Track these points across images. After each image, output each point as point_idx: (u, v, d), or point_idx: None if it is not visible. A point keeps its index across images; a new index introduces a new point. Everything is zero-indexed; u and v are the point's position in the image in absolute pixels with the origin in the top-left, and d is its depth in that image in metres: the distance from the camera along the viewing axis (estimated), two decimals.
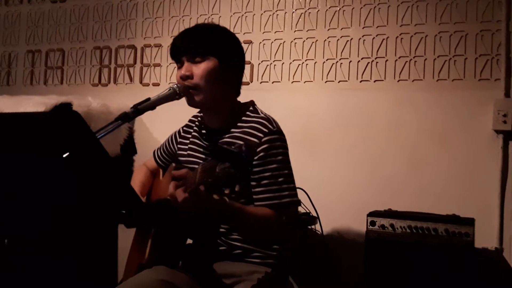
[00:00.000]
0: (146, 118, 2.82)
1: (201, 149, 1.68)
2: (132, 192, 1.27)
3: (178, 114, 2.71)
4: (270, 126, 1.56)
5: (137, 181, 1.88)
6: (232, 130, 1.60)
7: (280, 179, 1.53)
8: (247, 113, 1.63)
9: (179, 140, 1.81)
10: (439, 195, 2.30)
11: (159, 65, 2.95)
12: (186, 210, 1.28)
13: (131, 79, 3.03)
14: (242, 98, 1.70)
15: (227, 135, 1.61)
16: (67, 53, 3.22)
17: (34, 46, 3.32)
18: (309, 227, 2.40)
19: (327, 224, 2.39)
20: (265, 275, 1.55)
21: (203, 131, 1.69)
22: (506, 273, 2.21)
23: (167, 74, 2.91)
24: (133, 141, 2.76)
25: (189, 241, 1.60)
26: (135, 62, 3.02)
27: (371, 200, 2.33)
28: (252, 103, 1.69)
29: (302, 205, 2.36)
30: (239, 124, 1.61)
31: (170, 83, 2.83)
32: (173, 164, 1.65)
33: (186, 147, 1.74)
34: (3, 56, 3.39)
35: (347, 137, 2.50)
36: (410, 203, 2.27)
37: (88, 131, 1.13)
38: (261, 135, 1.54)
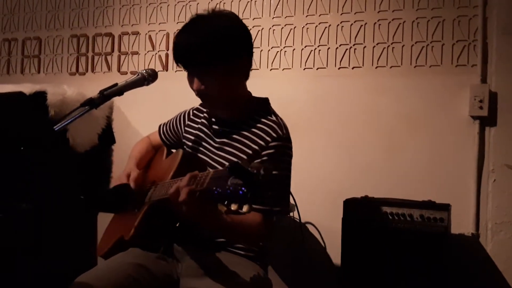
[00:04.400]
0: (124, 107, 2.84)
1: (208, 138, 1.66)
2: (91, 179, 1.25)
3: (157, 103, 2.72)
4: (279, 132, 1.55)
5: (136, 150, 1.86)
6: (242, 126, 1.59)
7: (277, 187, 1.52)
8: (260, 112, 1.61)
9: (187, 122, 1.78)
10: (416, 181, 2.31)
11: (137, 53, 2.91)
12: (181, 207, 1.27)
13: (108, 67, 2.99)
14: None
15: (235, 130, 1.59)
16: (44, 42, 3.17)
17: (10, 35, 3.27)
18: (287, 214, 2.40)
19: (305, 211, 2.39)
20: (244, 268, 1.55)
21: (213, 119, 1.67)
22: (482, 258, 2.22)
23: (145, 62, 2.88)
24: (111, 130, 2.72)
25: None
26: (112, 50, 2.98)
27: (349, 187, 2.33)
28: (266, 101, 1.67)
29: None
30: (249, 121, 1.59)
31: None
32: (181, 150, 1.62)
33: (194, 131, 1.72)
34: None
35: (325, 124, 2.50)
36: (388, 189, 2.27)
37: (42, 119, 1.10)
38: (269, 139, 1.54)
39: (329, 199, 2.38)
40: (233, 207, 1.11)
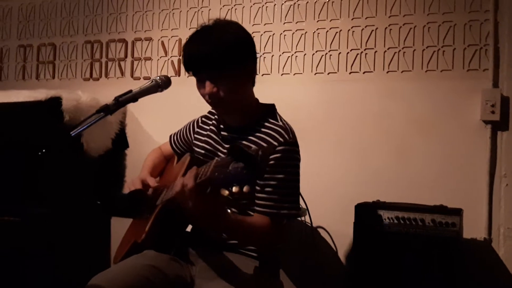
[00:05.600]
0: (137, 112, 2.88)
1: (217, 145, 1.68)
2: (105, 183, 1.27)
3: (169, 108, 2.74)
4: (286, 136, 1.56)
5: (149, 161, 1.89)
6: (249, 132, 1.61)
7: (283, 191, 1.53)
8: (266, 117, 1.62)
9: (196, 129, 1.81)
10: (427, 186, 2.31)
11: (149, 58, 2.95)
12: (188, 201, 1.29)
13: (122, 73, 3.03)
14: None
15: (243, 136, 1.61)
16: (58, 48, 3.22)
17: (25, 41, 3.32)
18: (299, 219, 2.41)
19: (317, 215, 2.40)
20: (256, 270, 1.56)
21: (221, 126, 1.69)
22: (494, 263, 2.22)
23: (158, 68, 2.92)
24: (124, 135, 2.75)
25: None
26: (126, 56, 3.02)
27: (360, 192, 2.33)
28: (273, 107, 1.69)
29: None
30: (256, 127, 1.61)
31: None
32: (189, 155, 1.65)
33: (203, 138, 1.75)
34: None
35: (336, 128, 2.51)
36: (399, 194, 2.27)
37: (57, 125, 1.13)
38: (275, 143, 1.55)
39: (340, 203, 2.39)
40: (235, 189, 1.15)
